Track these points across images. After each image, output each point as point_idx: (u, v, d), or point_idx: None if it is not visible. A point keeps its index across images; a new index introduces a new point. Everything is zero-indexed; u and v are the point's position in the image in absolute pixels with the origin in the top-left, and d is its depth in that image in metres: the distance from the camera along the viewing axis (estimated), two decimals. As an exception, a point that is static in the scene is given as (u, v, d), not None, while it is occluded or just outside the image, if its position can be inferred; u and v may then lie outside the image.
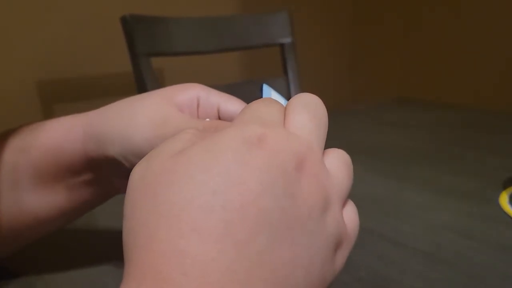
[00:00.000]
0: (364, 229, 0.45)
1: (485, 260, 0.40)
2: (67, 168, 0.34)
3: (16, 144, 0.34)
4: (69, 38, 1.51)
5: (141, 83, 0.92)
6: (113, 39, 1.22)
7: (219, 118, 0.34)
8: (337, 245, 0.22)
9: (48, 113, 1.53)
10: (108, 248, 0.43)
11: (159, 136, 0.30)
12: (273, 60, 1.23)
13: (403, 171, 0.62)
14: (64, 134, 0.34)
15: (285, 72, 1.13)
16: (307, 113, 0.23)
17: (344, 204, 0.24)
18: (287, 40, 1.13)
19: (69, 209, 0.36)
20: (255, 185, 0.19)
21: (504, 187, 0.55)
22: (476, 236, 0.44)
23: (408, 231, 0.45)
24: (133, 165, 0.24)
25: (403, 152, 0.71)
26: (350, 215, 0.24)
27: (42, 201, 0.35)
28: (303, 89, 1.15)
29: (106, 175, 0.35)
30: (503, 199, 0.52)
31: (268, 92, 0.29)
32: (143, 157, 0.22)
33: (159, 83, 0.91)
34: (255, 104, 0.24)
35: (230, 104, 0.34)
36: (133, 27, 0.90)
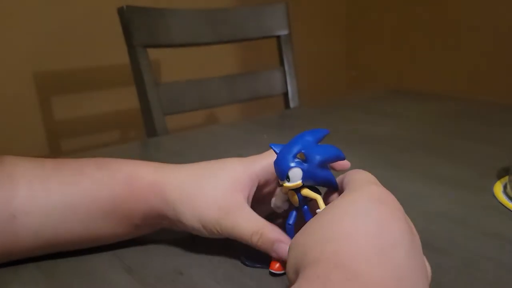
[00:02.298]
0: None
1: (479, 248, 0.40)
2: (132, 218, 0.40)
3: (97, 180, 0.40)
4: (66, 29, 1.51)
5: (138, 75, 0.92)
6: (110, 30, 1.21)
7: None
8: None
9: (45, 105, 1.53)
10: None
11: (223, 221, 0.38)
12: (270, 52, 1.23)
13: (398, 161, 0.63)
14: (141, 196, 0.40)
15: (282, 63, 1.13)
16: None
17: None
18: (283, 32, 1.13)
19: (124, 235, 0.42)
20: (396, 228, 0.28)
21: (498, 176, 0.55)
22: (470, 224, 0.45)
23: (403, 220, 0.46)
24: (196, 230, 0.38)
25: (398, 142, 0.72)
26: None
27: (107, 229, 0.40)
28: (299, 80, 1.15)
29: (166, 223, 0.41)
30: (497, 188, 0.52)
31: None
32: (208, 228, 0.38)
33: (156, 75, 0.91)
34: (357, 173, 0.35)
35: None
36: (130, 19, 0.90)
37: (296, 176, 0.35)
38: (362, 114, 0.91)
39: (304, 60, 1.71)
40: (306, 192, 0.37)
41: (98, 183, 0.39)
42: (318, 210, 0.36)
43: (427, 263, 0.31)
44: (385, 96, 1.09)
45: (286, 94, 1.14)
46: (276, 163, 0.36)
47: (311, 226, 0.30)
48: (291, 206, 0.38)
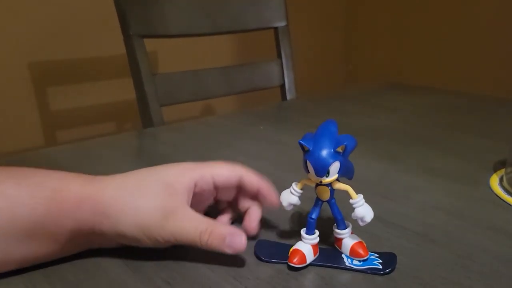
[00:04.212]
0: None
1: (475, 240, 0.40)
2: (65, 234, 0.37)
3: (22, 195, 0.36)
4: (61, 19, 1.50)
5: (134, 65, 0.91)
6: (106, 20, 1.21)
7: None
8: None
9: (41, 96, 1.52)
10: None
11: (167, 225, 0.36)
12: (267, 44, 1.23)
13: (395, 154, 0.63)
14: (71, 210, 0.36)
15: (279, 55, 1.13)
16: None
17: None
18: (281, 23, 1.13)
19: (47, 256, 0.38)
20: None
21: (495, 169, 0.55)
22: (466, 217, 0.45)
23: (400, 212, 0.46)
24: (137, 240, 0.36)
25: (396, 135, 0.71)
26: None
27: (28, 251, 0.36)
28: (296, 73, 1.15)
29: (95, 240, 0.39)
30: (494, 181, 0.52)
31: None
32: (152, 236, 0.36)
33: (152, 66, 0.90)
34: None
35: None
36: (126, 8, 0.90)
37: (334, 170, 0.35)
38: (359, 107, 0.91)
39: (302, 53, 1.71)
40: (339, 185, 0.36)
41: (16, 202, 0.35)
42: (351, 200, 0.36)
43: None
44: (382, 89, 1.09)
45: (283, 86, 1.13)
46: (315, 159, 0.34)
47: None
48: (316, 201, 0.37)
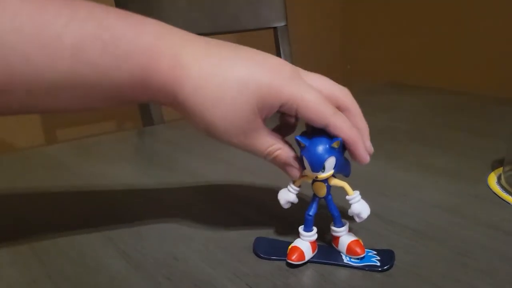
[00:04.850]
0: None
1: (473, 237, 0.41)
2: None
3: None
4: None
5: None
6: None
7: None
8: None
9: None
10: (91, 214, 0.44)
11: (239, 141, 0.36)
12: (266, 43, 1.23)
13: (394, 152, 0.63)
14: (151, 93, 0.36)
15: (278, 55, 1.13)
16: None
17: None
18: (280, 23, 1.13)
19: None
20: None
21: (493, 168, 0.56)
22: (464, 214, 0.45)
23: (398, 209, 0.46)
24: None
25: (394, 134, 0.72)
26: None
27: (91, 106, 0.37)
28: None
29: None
30: (492, 179, 0.53)
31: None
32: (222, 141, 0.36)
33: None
34: None
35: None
36: (125, 7, 0.90)
37: (330, 165, 0.35)
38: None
39: (301, 52, 1.71)
40: (335, 181, 0.36)
41: (101, 72, 0.33)
42: (348, 197, 0.36)
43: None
44: (381, 89, 1.09)
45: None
46: (310, 154, 0.35)
47: None
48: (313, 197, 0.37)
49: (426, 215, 0.45)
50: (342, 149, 0.36)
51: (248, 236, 0.41)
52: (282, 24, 1.13)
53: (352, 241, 0.37)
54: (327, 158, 0.35)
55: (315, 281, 0.35)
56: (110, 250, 0.39)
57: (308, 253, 0.37)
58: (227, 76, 0.34)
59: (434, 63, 1.99)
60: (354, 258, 0.37)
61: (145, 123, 0.92)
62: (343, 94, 0.39)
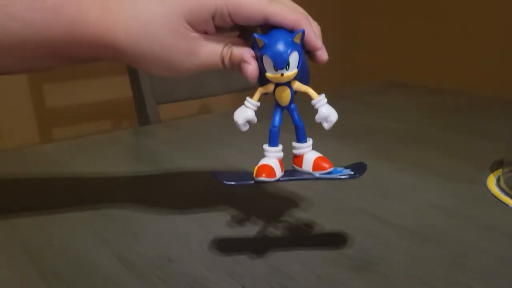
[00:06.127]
0: (354, 208, 0.45)
1: (472, 239, 0.40)
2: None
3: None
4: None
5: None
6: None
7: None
8: None
9: (37, 93, 1.52)
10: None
11: (190, 63, 0.35)
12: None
13: (392, 153, 0.63)
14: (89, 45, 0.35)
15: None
16: None
17: None
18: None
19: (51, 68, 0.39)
20: None
21: (492, 169, 0.55)
22: (463, 216, 0.45)
23: (396, 210, 0.46)
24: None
25: (393, 134, 0.71)
26: None
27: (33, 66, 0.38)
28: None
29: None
30: (491, 181, 0.52)
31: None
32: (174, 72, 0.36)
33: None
34: None
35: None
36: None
37: (294, 62, 0.32)
38: (357, 106, 0.91)
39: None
40: (298, 84, 0.34)
41: (30, 26, 0.34)
42: (313, 101, 0.34)
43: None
44: (380, 89, 1.09)
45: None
46: (272, 50, 0.32)
47: None
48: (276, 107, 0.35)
49: (424, 216, 0.45)
50: (303, 47, 0.33)
51: (244, 237, 0.40)
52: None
53: (318, 157, 0.34)
54: (291, 52, 0.32)
55: (312, 283, 0.35)
56: (104, 250, 0.39)
57: (278, 171, 0.33)
58: (149, 6, 0.34)
59: (433, 64, 1.99)
60: (324, 173, 0.34)
61: (141, 122, 0.92)
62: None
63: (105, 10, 0.34)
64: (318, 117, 0.34)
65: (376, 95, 1.01)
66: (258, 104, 0.34)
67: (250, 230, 0.41)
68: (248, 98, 0.35)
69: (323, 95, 0.34)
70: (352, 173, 0.34)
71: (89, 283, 0.35)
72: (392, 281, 0.34)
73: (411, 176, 0.55)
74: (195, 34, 0.34)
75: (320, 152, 0.35)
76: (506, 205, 0.47)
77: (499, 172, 0.54)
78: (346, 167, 0.35)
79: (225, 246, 0.39)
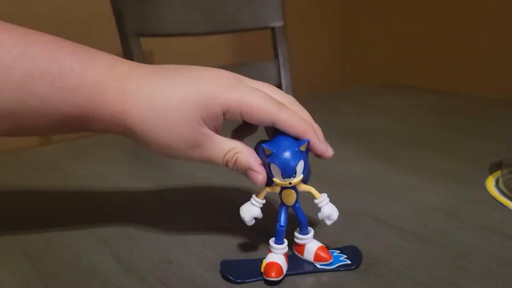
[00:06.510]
0: (353, 210, 0.45)
1: (471, 240, 0.40)
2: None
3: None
4: (56, 17, 1.49)
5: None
6: (102, 18, 1.20)
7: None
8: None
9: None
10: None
11: (194, 154, 0.36)
12: (264, 43, 1.22)
13: (391, 154, 0.63)
14: (103, 124, 0.37)
15: (276, 55, 1.13)
16: None
17: None
18: (278, 23, 1.13)
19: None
20: None
21: (491, 171, 0.55)
22: (463, 218, 0.45)
23: (396, 212, 0.46)
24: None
25: (392, 135, 0.71)
26: None
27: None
28: (293, 73, 1.15)
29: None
30: (489, 182, 0.52)
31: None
32: (176, 157, 0.37)
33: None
34: None
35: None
36: (123, 7, 0.89)
37: (300, 169, 0.34)
38: (355, 107, 0.91)
39: (298, 53, 1.70)
40: (303, 186, 0.36)
41: (49, 103, 0.35)
42: (316, 200, 0.35)
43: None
44: (379, 89, 1.09)
45: (279, 86, 1.13)
46: (280, 160, 0.34)
47: None
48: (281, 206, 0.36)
49: (423, 218, 0.45)
50: (307, 152, 0.35)
51: (244, 239, 0.40)
52: (280, 24, 1.13)
53: (318, 248, 0.37)
54: (298, 162, 0.34)
55: (311, 285, 0.35)
56: (104, 253, 0.39)
57: (285, 267, 0.35)
58: (167, 96, 0.36)
59: (433, 64, 1.99)
60: (324, 264, 0.36)
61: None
62: (288, 101, 0.38)
63: (124, 94, 0.36)
64: (321, 215, 0.36)
65: (375, 96, 1.01)
66: (264, 201, 0.36)
67: (250, 233, 0.41)
68: (254, 196, 0.36)
69: (325, 195, 0.36)
70: (350, 263, 0.36)
71: (88, 285, 0.35)
72: (392, 283, 0.34)
73: (410, 177, 0.55)
74: (205, 130, 0.36)
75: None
76: (505, 206, 0.47)
77: (498, 173, 0.54)
78: (339, 250, 0.38)
79: (225, 249, 0.39)
